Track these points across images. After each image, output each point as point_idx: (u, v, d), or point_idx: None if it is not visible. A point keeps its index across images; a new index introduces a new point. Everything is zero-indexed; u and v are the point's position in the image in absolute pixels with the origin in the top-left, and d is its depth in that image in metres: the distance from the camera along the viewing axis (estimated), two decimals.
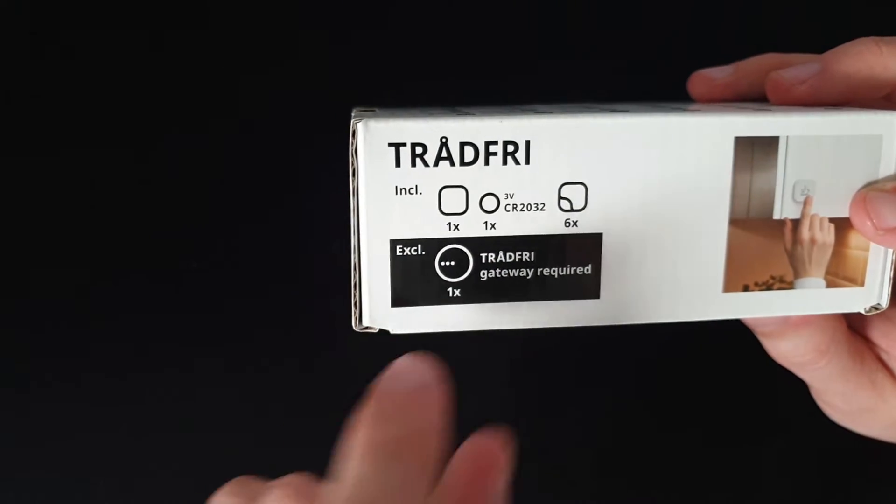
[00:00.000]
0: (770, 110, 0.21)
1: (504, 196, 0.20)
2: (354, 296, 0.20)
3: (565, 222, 0.20)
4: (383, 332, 0.20)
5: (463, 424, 0.20)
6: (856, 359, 0.25)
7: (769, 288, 0.21)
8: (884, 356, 0.25)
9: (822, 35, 0.26)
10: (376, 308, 0.20)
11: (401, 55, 0.36)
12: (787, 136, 0.20)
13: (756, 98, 0.26)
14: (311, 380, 0.39)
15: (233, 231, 0.38)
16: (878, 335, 0.25)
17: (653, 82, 0.32)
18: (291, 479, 0.22)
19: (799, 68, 0.23)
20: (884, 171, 0.21)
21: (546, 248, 0.20)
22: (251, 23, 0.36)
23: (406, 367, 0.18)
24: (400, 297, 0.20)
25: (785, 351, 0.25)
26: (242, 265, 0.38)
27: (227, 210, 0.37)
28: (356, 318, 0.20)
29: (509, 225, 0.20)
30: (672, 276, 0.21)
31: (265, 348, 0.39)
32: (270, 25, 0.36)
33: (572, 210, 0.20)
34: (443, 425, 0.18)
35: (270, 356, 0.39)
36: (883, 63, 0.22)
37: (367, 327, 0.20)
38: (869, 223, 0.20)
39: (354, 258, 0.20)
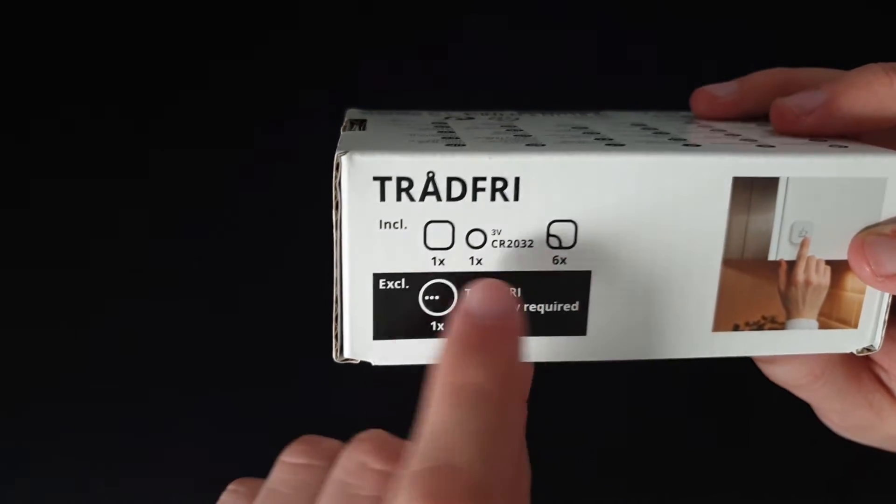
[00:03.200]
0: (771, 149, 0.20)
1: (491, 232, 0.19)
2: (336, 328, 0.19)
3: (553, 259, 0.19)
4: (365, 364, 0.20)
5: None
6: (852, 380, 0.25)
7: (760, 328, 0.21)
8: (883, 375, 0.25)
9: (828, 37, 0.25)
10: (357, 341, 0.20)
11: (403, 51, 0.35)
12: (788, 178, 0.19)
13: (760, 117, 0.25)
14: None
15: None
16: (881, 354, 0.24)
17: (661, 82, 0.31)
18: (368, 435, 0.21)
19: (805, 97, 0.22)
20: (886, 214, 0.20)
21: (533, 284, 0.20)
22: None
23: (483, 297, 0.18)
24: (382, 330, 0.20)
25: (780, 375, 0.24)
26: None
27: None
28: (337, 350, 0.20)
29: (496, 261, 0.19)
30: (661, 315, 0.20)
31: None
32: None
33: (561, 247, 0.19)
34: (524, 361, 0.17)
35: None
36: (893, 95, 0.21)
37: (347, 359, 0.20)
38: (867, 269, 0.20)
39: (337, 291, 0.19)
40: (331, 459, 0.21)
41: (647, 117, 0.27)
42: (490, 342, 0.17)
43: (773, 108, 0.23)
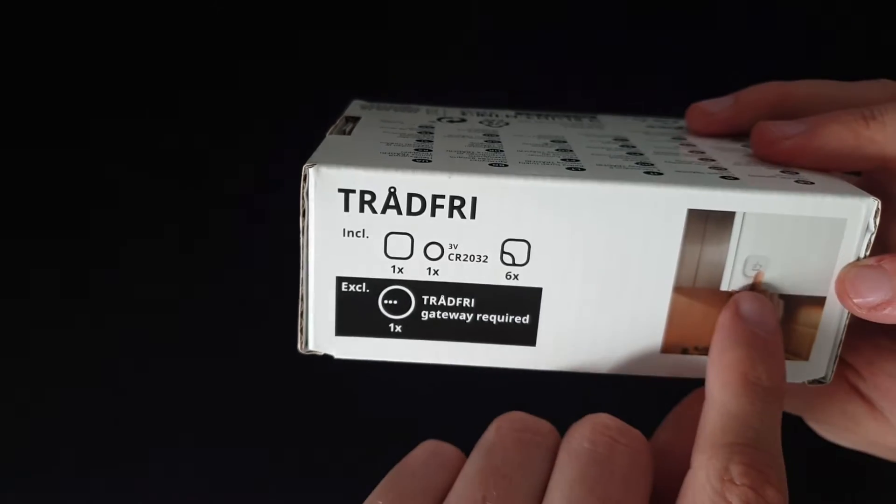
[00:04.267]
0: (733, 181, 0.20)
1: (448, 246, 0.20)
2: (301, 323, 0.21)
3: (507, 275, 0.20)
4: (328, 357, 0.22)
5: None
6: (821, 395, 0.25)
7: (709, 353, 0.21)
8: (861, 385, 0.25)
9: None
10: (321, 335, 0.21)
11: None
12: (745, 213, 0.20)
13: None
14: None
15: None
16: (862, 362, 0.25)
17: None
18: (604, 417, 0.21)
19: (786, 124, 0.22)
20: (844, 255, 0.20)
21: (486, 297, 0.21)
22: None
23: (761, 310, 0.20)
24: (344, 328, 0.21)
25: None
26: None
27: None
28: (302, 342, 0.21)
29: (452, 273, 0.20)
30: (610, 334, 0.21)
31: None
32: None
33: (514, 265, 0.20)
34: None
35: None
36: (869, 136, 0.21)
37: (311, 351, 0.21)
38: (850, 301, 0.20)
39: (302, 289, 0.21)
40: (549, 437, 0.21)
41: (639, 127, 0.27)
42: (773, 351, 0.20)
43: (755, 129, 0.23)
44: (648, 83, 0.32)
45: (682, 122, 0.28)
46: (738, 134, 0.26)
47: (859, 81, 0.24)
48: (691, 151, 0.24)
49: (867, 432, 0.25)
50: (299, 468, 0.45)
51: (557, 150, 0.22)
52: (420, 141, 0.22)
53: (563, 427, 0.21)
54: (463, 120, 0.26)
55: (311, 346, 0.21)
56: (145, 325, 0.42)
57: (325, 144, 0.21)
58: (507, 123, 0.26)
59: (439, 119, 0.26)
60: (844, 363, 0.25)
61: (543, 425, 0.22)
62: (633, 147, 0.23)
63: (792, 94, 0.24)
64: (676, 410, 0.24)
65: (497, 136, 0.24)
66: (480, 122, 0.26)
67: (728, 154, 0.23)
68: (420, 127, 0.25)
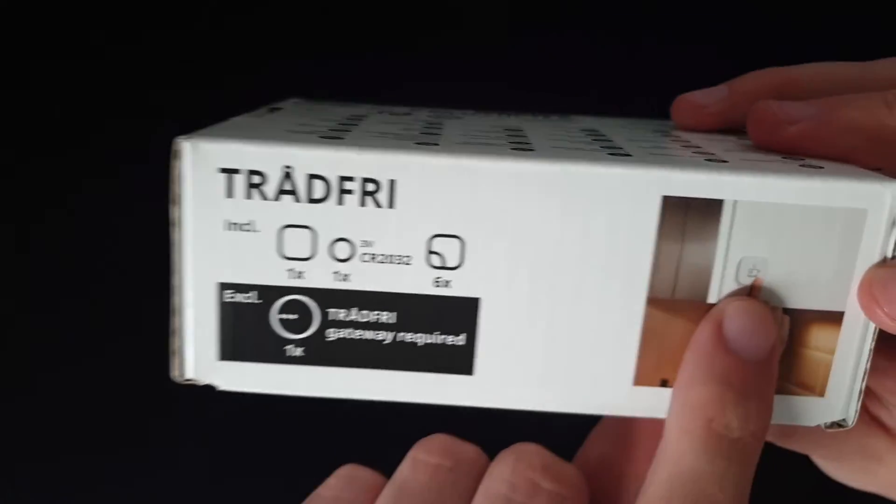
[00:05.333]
0: (721, 164, 0.16)
1: (361, 243, 0.16)
2: (174, 343, 0.17)
3: (435, 281, 0.16)
4: (211, 388, 0.17)
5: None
6: (836, 434, 0.20)
7: None
8: (883, 415, 0.20)
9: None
10: (201, 360, 0.17)
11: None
12: (735, 202, 0.16)
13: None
14: None
15: None
16: (888, 386, 0.20)
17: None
18: (533, 450, 0.18)
19: (792, 104, 0.18)
20: (865, 256, 0.16)
21: (409, 309, 0.16)
22: None
23: (749, 327, 0.16)
24: (229, 350, 0.17)
25: None
26: None
27: None
28: (177, 369, 0.17)
29: (366, 279, 0.16)
30: (568, 360, 0.16)
31: None
32: None
33: (444, 267, 0.16)
34: None
35: None
36: (894, 126, 0.17)
37: (190, 380, 0.17)
38: (879, 312, 0.16)
39: (175, 300, 0.16)
40: (473, 467, 0.18)
41: (617, 122, 0.23)
42: (755, 388, 0.16)
43: (752, 111, 0.19)
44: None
45: (666, 122, 0.24)
46: (733, 128, 0.22)
47: (878, 60, 0.20)
48: (673, 140, 0.19)
49: (890, 474, 0.21)
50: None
51: (508, 135, 0.18)
52: (343, 124, 0.19)
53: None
54: (408, 114, 0.22)
55: (190, 375, 0.17)
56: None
57: (219, 125, 0.17)
58: (461, 118, 0.22)
59: (380, 112, 0.22)
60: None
61: (467, 453, 0.18)
62: (603, 136, 0.19)
63: (797, 81, 0.21)
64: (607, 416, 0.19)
65: (441, 125, 0.20)
66: (429, 115, 0.22)
67: (719, 143, 0.19)
68: (352, 116, 0.21)
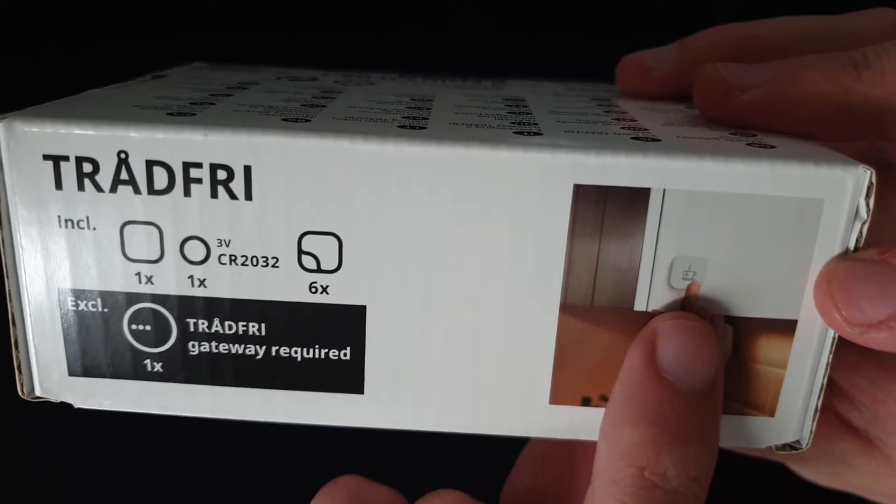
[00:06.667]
0: (651, 143, 0.13)
1: (216, 243, 0.13)
2: (17, 356, 0.14)
3: (311, 287, 0.14)
4: (66, 405, 0.15)
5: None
6: None
7: None
8: (853, 415, 0.18)
9: None
10: (48, 376, 0.14)
11: None
12: (664, 190, 0.13)
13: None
14: None
15: None
16: (859, 384, 0.17)
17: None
18: (450, 497, 0.17)
19: (744, 68, 0.15)
20: (821, 255, 0.13)
21: (282, 319, 0.14)
22: None
23: (685, 350, 0.13)
24: (79, 365, 0.14)
25: None
26: None
27: None
28: (25, 385, 0.14)
29: (225, 284, 0.14)
30: (472, 376, 0.14)
31: None
32: None
33: (320, 271, 0.13)
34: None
35: None
36: (862, 91, 0.14)
37: (40, 397, 0.15)
38: (837, 315, 0.13)
39: (11, 308, 0.14)
40: None
41: (554, 90, 0.20)
42: (696, 426, 0.13)
43: (696, 76, 0.16)
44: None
45: (610, 86, 0.21)
46: (684, 95, 0.19)
47: (849, 14, 0.17)
48: (606, 111, 0.17)
49: (862, 477, 0.18)
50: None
51: (408, 107, 0.16)
52: (213, 95, 0.16)
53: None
54: (314, 79, 0.19)
55: (39, 392, 0.14)
56: None
57: (60, 101, 0.15)
58: (373, 83, 0.19)
59: (279, 78, 0.19)
60: (831, 386, 0.17)
61: (377, 498, 0.16)
62: (525, 108, 0.17)
63: (758, 38, 0.17)
64: (534, 442, 0.17)
65: (336, 93, 0.17)
66: (335, 82, 0.19)
67: (661, 115, 0.16)
68: (241, 82, 0.18)
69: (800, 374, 0.14)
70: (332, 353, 0.14)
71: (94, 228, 0.13)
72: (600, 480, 0.13)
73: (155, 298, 0.14)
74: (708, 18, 0.20)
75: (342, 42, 0.30)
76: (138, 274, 0.14)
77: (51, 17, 0.30)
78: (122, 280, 0.14)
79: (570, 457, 0.17)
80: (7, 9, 0.29)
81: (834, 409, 0.18)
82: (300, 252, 0.13)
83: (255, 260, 0.13)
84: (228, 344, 0.14)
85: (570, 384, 0.14)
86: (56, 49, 0.30)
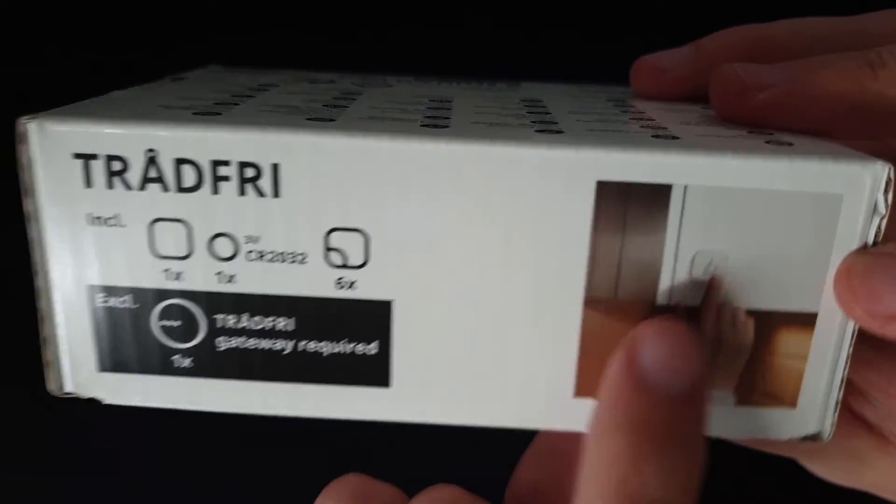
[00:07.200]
0: (671, 141, 0.13)
1: (244, 239, 0.14)
2: (47, 353, 0.14)
3: (337, 283, 0.14)
4: (95, 401, 0.15)
5: None
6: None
7: None
8: (867, 411, 0.18)
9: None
10: (80, 372, 0.15)
11: None
12: (686, 186, 0.13)
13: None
14: None
15: None
16: (873, 380, 0.17)
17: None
18: (448, 493, 0.17)
19: (762, 68, 0.16)
20: (840, 248, 0.13)
21: (310, 314, 0.14)
22: None
23: (665, 354, 0.13)
24: (110, 361, 0.14)
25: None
26: None
27: None
28: (53, 382, 0.15)
29: (255, 279, 0.14)
30: (497, 369, 0.14)
31: None
32: None
33: (347, 266, 0.14)
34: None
35: None
36: (878, 90, 0.14)
37: (70, 393, 0.15)
38: (858, 308, 0.13)
39: (43, 305, 0.14)
40: None
41: (570, 91, 0.20)
42: (679, 434, 0.13)
43: (713, 77, 0.16)
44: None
45: (625, 89, 0.21)
46: (699, 96, 0.19)
47: (862, 15, 0.17)
48: (624, 111, 0.17)
49: (876, 473, 0.18)
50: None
51: (429, 107, 0.16)
52: (236, 97, 0.16)
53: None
54: (331, 82, 0.20)
55: (69, 388, 0.15)
56: None
57: (87, 101, 0.15)
58: (390, 86, 0.20)
59: (297, 81, 0.20)
60: (846, 382, 0.17)
61: (380, 496, 0.16)
62: (543, 108, 0.17)
63: (772, 39, 0.18)
64: (541, 437, 0.17)
65: (356, 94, 0.17)
66: (353, 84, 0.19)
67: (678, 115, 0.16)
68: (260, 85, 0.18)
69: (820, 366, 0.14)
70: (360, 348, 0.14)
71: (124, 226, 0.14)
72: (584, 491, 0.13)
73: (184, 294, 0.14)
74: (708, 18, 0.20)
75: (342, 45, 0.30)
76: (167, 270, 0.14)
77: (53, 21, 0.30)
78: (151, 276, 0.14)
79: (577, 452, 0.17)
80: (7, 12, 0.30)
81: (848, 406, 0.18)
82: (327, 248, 0.14)
83: (283, 256, 0.14)
84: (257, 339, 0.14)
85: (593, 377, 0.14)
86: (56, 50, 0.30)
